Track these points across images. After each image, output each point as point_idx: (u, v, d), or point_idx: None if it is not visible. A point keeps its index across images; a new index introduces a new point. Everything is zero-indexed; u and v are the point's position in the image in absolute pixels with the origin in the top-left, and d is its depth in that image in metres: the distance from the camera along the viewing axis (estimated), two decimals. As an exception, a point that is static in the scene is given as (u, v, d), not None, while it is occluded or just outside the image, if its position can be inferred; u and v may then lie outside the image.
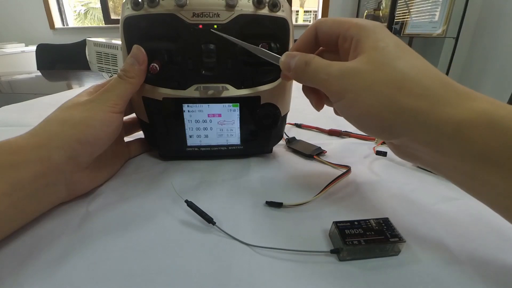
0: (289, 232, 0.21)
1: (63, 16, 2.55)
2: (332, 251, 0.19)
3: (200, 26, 0.25)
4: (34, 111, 0.53)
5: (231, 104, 0.28)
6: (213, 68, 0.26)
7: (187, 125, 0.29)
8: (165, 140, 0.30)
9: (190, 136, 0.30)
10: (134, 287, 0.17)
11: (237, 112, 0.29)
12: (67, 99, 0.25)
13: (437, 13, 1.70)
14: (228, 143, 0.31)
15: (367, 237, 0.19)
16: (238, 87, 0.27)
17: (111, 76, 0.79)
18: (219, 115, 0.29)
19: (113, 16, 2.45)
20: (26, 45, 2.25)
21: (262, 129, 0.30)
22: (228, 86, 0.27)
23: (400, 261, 0.19)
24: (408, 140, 0.18)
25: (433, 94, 0.17)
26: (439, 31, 1.72)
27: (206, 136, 0.30)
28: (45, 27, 2.48)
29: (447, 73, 1.82)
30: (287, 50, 0.26)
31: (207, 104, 0.28)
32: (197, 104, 0.28)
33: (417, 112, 0.17)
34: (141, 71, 0.25)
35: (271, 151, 0.34)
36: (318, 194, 0.25)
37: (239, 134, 0.31)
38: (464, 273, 0.18)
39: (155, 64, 0.25)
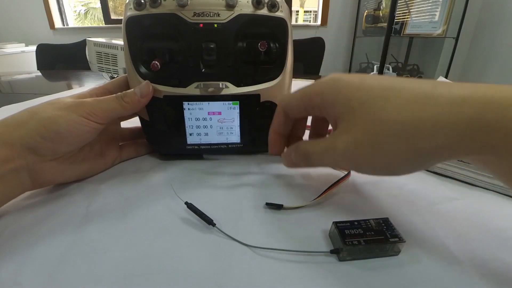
0: (288, 233, 0.21)
1: (63, 16, 2.55)
2: (332, 251, 0.19)
3: (201, 25, 0.25)
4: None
5: (231, 102, 0.29)
6: (213, 66, 0.27)
7: (187, 123, 0.29)
8: (166, 138, 0.31)
9: (190, 134, 0.30)
10: (132, 284, 0.17)
11: (237, 110, 0.29)
12: (67, 99, 0.26)
13: (437, 13, 1.70)
14: (228, 141, 0.31)
15: (367, 237, 0.19)
16: (238, 85, 0.28)
17: (111, 76, 0.79)
18: (219, 113, 0.29)
19: (113, 16, 2.45)
20: (26, 45, 2.25)
21: (262, 127, 0.30)
22: (228, 84, 0.27)
23: (400, 261, 0.19)
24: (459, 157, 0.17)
25: (437, 103, 0.16)
26: (439, 31, 1.72)
27: (206, 134, 0.30)
28: (45, 27, 2.48)
29: (447, 73, 1.82)
30: (286, 51, 0.28)
31: (207, 102, 0.28)
32: (198, 102, 0.28)
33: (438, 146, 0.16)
34: (139, 102, 0.26)
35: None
36: (317, 197, 0.25)
37: (239, 132, 0.31)
38: (464, 273, 0.18)
39: (156, 62, 0.26)
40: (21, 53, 2.14)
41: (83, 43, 1.40)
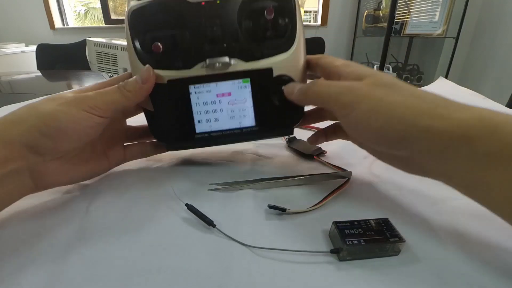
0: (288, 233, 0.21)
1: (63, 16, 2.55)
2: (332, 251, 0.19)
3: (203, 3, 0.24)
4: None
5: (241, 80, 0.26)
6: (218, 43, 0.25)
7: (195, 109, 0.27)
8: (173, 129, 0.28)
9: (199, 122, 0.27)
10: (132, 283, 0.17)
11: (249, 89, 0.27)
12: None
13: (437, 13, 1.70)
14: (242, 126, 0.28)
15: (367, 237, 0.19)
16: (246, 60, 0.26)
17: (111, 76, 0.79)
18: (229, 94, 0.27)
19: (113, 16, 2.45)
20: (26, 45, 2.25)
21: (278, 105, 0.27)
22: (236, 60, 0.25)
23: (400, 261, 0.19)
24: (418, 151, 0.19)
25: (439, 104, 0.19)
26: (439, 31, 1.72)
27: (217, 119, 0.27)
28: (45, 27, 2.48)
29: (447, 73, 1.82)
30: (295, 21, 0.26)
31: (214, 83, 0.26)
32: (204, 84, 0.26)
33: (432, 120, 0.18)
34: (141, 89, 0.24)
35: (292, 132, 0.30)
36: (317, 204, 0.24)
37: (253, 114, 0.28)
38: (464, 273, 0.18)
39: (158, 43, 0.24)
40: (21, 53, 2.14)
41: (83, 43, 1.40)
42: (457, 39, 1.73)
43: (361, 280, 0.17)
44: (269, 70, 0.26)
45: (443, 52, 1.94)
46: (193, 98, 0.27)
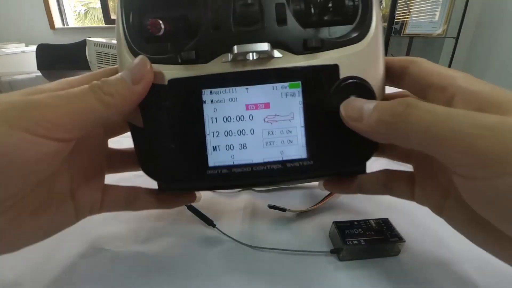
0: (288, 233, 0.21)
1: (63, 16, 2.55)
2: (332, 251, 0.19)
3: None
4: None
5: (287, 84, 0.17)
6: (253, 21, 0.16)
7: (210, 127, 0.17)
8: (171, 158, 0.17)
9: (215, 148, 0.17)
10: (132, 283, 0.17)
11: (299, 98, 0.17)
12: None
13: (437, 13, 1.70)
14: (285, 158, 0.17)
15: (367, 237, 0.19)
16: (298, 51, 0.16)
17: (111, 76, 0.78)
18: (266, 106, 0.17)
19: (113, 16, 2.45)
20: (26, 45, 2.25)
21: (347, 126, 0.16)
22: (281, 51, 0.16)
23: (400, 261, 0.19)
24: None
25: None
26: (439, 31, 1.72)
27: (244, 146, 0.17)
28: (45, 27, 2.48)
29: (447, 73, 1.82)
30: (372, 5, 0.17)
31: (244, 87, 0.17)
32: (228, 88, 0.16)
33: None
34: (130, 92, 0.15)
35: (363, 169, 0.19)
36: (317, 204, 0.24)
37: (304, 140, 0.17)
38: (464, 273, 0.18)
39: (158, 20, 0.16)
40: (21, 53, 2.14)
41: (83, 43, 1.40)
42: (457, 39, 1.73)
43: (361, 280, 0.17)
44: (334, 68, 0.16)
45: (443, 52, 1.94)
46: (208, 110, 0.17)
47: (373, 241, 0.19)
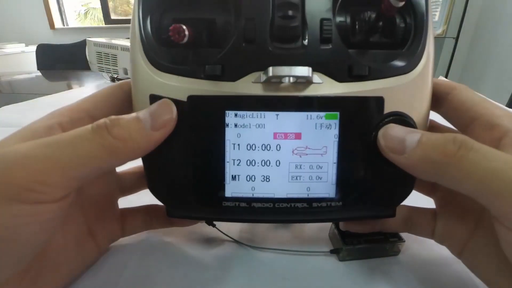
0: (288, 233, 0.21)
1: (63, 16, 2.55)
2: (332, 251, 0.19)
3: None
4: (35, 111, 0.53)
5: (323, 114, 0.15)
6: (293, 38, 0.14)
7: (231, 154, 0.15)
8: (183, 183, 0.16)
9: (234, 178, 0.16)
10: (131, 283, 0.17)
11: (335, 131, 0.15)
12: (67, 99, 0.24)
13: (437, 13, 1.70)
14: (312, 195, 0.16)
15: (367, 237, 0.19)
16: (341, 79, 0.15)
17: (111, 77, 0.79)
18: (297, 136, 0.15)
19: (113, 16, 2.45)
20: (26, 45, 2.25)
21: (386, 166, 0.15)
22: (321, 76, 0.15)
23: (400, 261, 0.19)
24: None
25: None
26: (439, 31, 1.72)
27: (267, 178, 0.16)
28: (45, 27, 2.48)
29: (447, 73, 1.82)
30: (426, 31, 0.15)
31: (274, 113, 0.15)
32: (255, 113, 0.15)
33: None
34: (146, 139, 0.13)
35: (393, 213, 0.17)
36: None
37: (334, 177, 0.16)
38: (464, 273, 0.18)
39: (183, 27, 0.15)
40: (21, 53, 2.14)
41: (83, 43, 1.40)
42: (457, 39, 1.73)
43: (361, 280, 0.17)
44: (379, 101, 0.15)
45: (443, 52, 1.94)
46: (230, 135, 0.15)
47: (373, 241, 0.19)
